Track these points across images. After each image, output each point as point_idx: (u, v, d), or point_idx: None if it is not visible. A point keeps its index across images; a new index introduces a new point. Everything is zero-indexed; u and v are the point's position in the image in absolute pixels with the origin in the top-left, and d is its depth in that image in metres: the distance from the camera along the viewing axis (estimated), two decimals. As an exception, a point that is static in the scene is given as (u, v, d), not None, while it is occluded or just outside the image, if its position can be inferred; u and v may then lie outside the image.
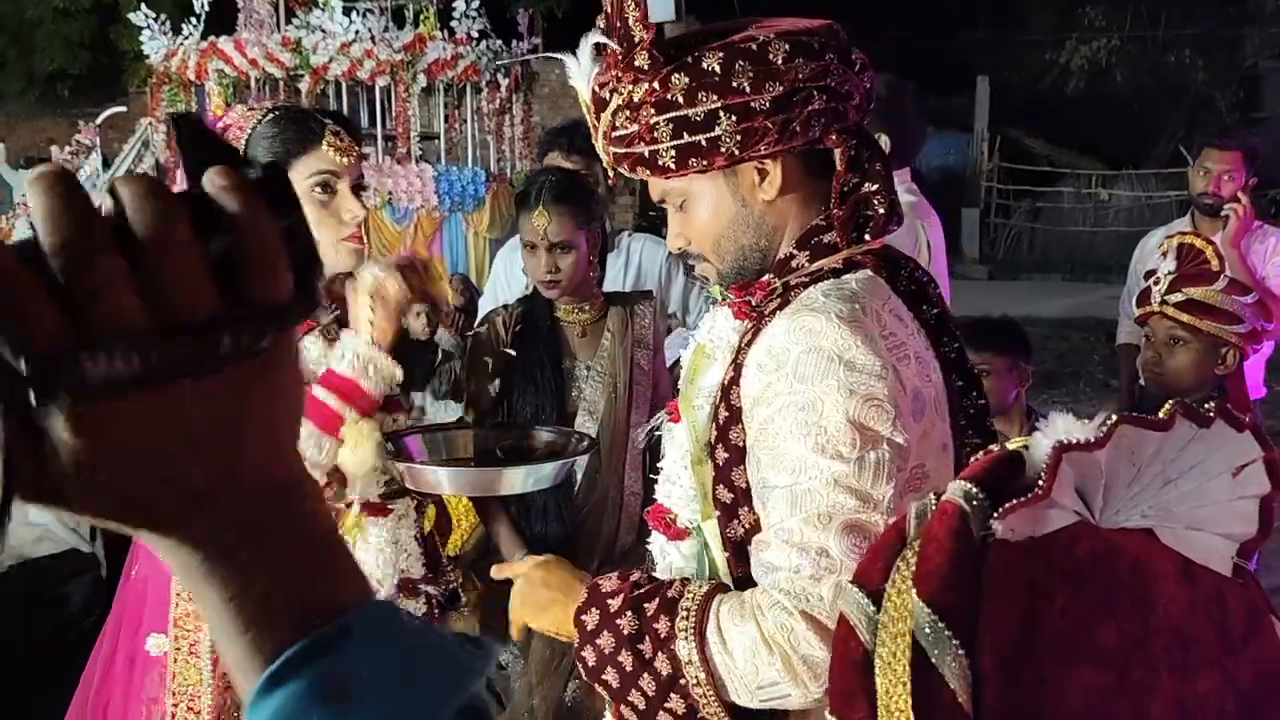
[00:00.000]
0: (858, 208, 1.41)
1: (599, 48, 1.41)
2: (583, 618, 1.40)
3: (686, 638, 1.30)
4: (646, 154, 1.38)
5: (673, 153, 1.36)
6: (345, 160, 1.88)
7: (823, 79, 1.34)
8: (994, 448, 0.79)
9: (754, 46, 1.34)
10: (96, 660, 2.05)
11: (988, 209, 17.59)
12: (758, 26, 1.38)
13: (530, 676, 2.64)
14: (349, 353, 1.76)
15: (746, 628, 1.26)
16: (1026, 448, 0.75)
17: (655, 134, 1.36)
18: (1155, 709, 0.65)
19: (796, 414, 1.27)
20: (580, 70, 1.44)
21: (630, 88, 1.37)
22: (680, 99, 1.34)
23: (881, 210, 1.41)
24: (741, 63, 1.33)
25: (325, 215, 1.86)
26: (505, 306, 2.74)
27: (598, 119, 1.43)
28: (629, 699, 1.36)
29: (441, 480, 1.90)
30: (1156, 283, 2.55)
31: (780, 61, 1.33)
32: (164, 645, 1.90)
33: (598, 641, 1.37)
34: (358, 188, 1.90)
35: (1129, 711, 0.65)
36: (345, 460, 1.73)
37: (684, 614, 1.32)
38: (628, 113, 1.38)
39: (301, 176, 1.86)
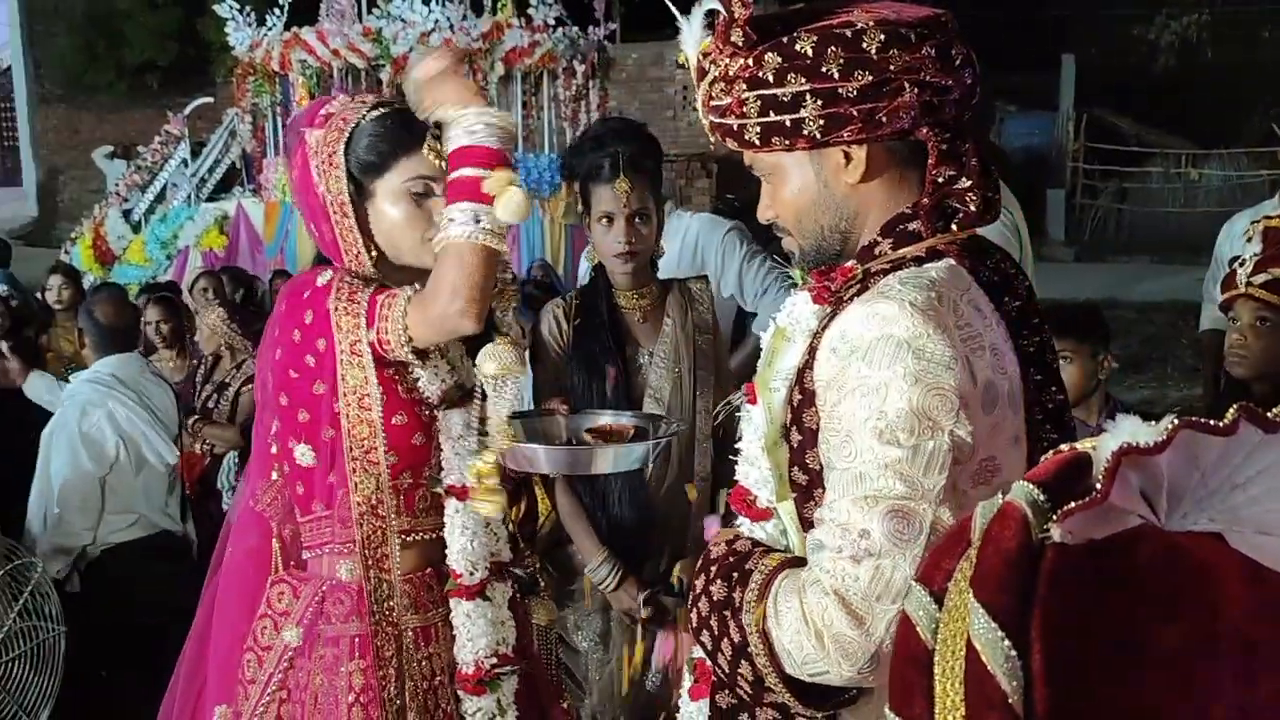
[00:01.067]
0: (946, 199, 1.41)
1: (710, 17, 1.44)
2: (695, 580, 1.48)
3: (749, 609, 1.35)
4: (735, 127, 1.41)
5: (758, 129, 1.39)
6: (443, 164, 1.91)
7: (916, 72, 1.34)
8: (1064, 448, 0.78)
9: (849, 33, 1.34)
10: (191, 641, 2.11)
11: (1073, 190, 17.22)
12: (862, 10, 1.38)
13: (612, 665, 2.67)
14: (459, 127, 1.78)
15: (793, 603, 1.30)
16: (1095, 448, 0.75)
17: (744, 109, 1.39)
18: (1217, 712, 0.64)
19: (861, 399, 1.28)
20: (690, 37, 1.47)
21: (726, 61, 1.40)
22: (770, 78, 1.36)
23: (973, 207, 1.40)
24: (834, 48, 1.33)
25: (417, 214, 1.92)
26: (564, 297, 2.76)
27: (698, 87, 1.46)
28: (717, 661, 1.42)
29: (538, 458, 1.94)
30: (1242, 265, 2.50)
31: (873, 50, 1.33)
32: (282, 638, 1.96)
33: (699, 604, 1.44)
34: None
35: (1190, 714, 0.65)
36: (501, 215, 1.76)
37: (752, 586, 1.36)
38: (722, 85, 1.41)
39: (400, 178, 1.91)
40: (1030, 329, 1.49)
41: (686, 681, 1.65)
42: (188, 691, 2.08)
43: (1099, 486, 0.67)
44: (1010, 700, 0.64)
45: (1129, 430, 0.70)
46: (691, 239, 3.73)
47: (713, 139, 1.49)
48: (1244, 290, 2.50)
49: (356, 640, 1.92)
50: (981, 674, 0.66)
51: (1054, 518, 0.69)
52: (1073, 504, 0.68)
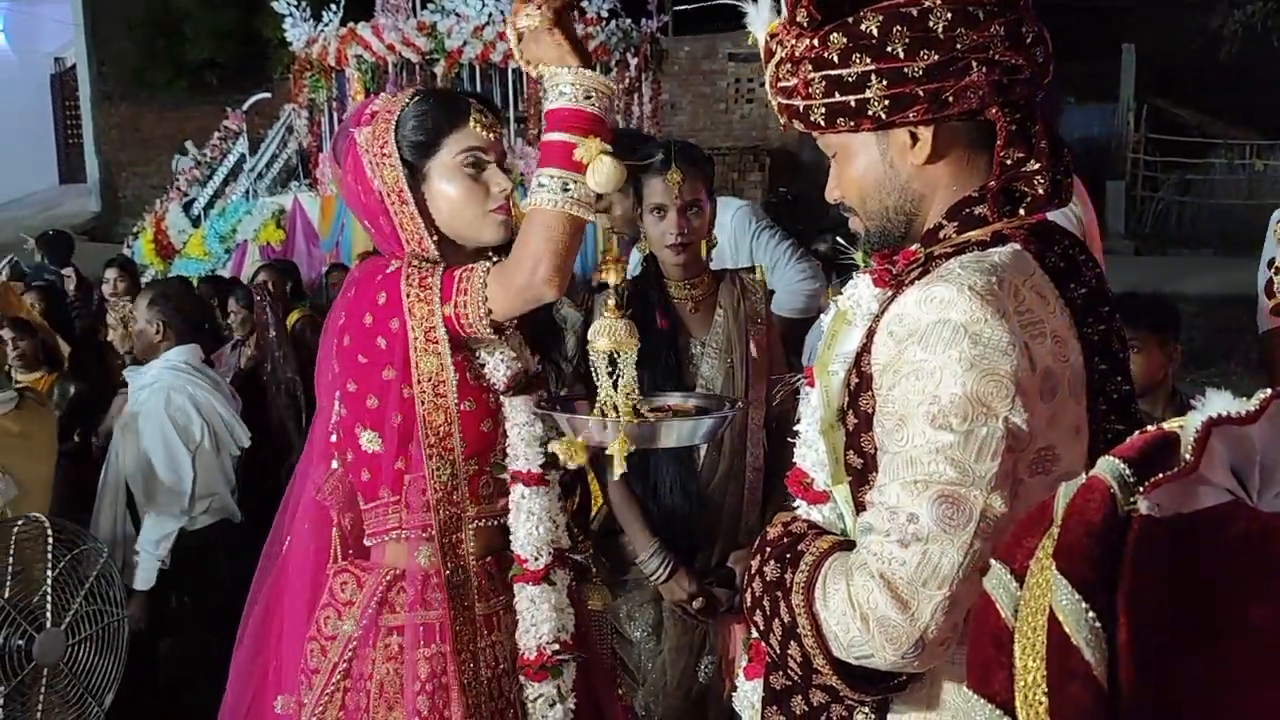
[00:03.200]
0: (1013, 183, 1.39)
1: None
2: (750, 561, 1.49)
3: (798, 590, 1.34)
4: (800, 108, 1.41)
5: (822, 110, 1.38)
6: (491, 136, 1.94)
7: (985, 51, 1.32)
8: (1150, 428, 0.76)
9: (915, 12, 1.32)
10: (248, 630, 2.13)
11: (1134, 181, 16.94)
12: None
13: (665, 655, 2.68)
14: (554, 89, 1.73)
15: (840, 585, 1.29)
16: (1183, 427, 0.73)
17: (810, 90, 1.38)
18: None
19: (916, 382, 1.27)
20: (758, 18, 1.48)
21: (793, 42, 1.40)
22: (835, 58, 1.35)
23: (1041, 190, 1.38)
24: (899, 27, 1.32)
25: (474, 188, 1.93)
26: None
27: (766, 68, 1.46)
28: (769, 641, 1.42)
29: (607, 432, 1.94)
30: (1277, 272, 2.44)
31: (940, 29, 1.31)
32: (346, 628, 1.97)
33: (753, 585, 1.45)
34: (502, 163, 1.96)
35: (1278, 693, 0.63)
36: (593, 184, 1.72)
37: (803, 568, 1.36)
38: (789, 66, 1.41)
39: (451, 153, 1.92)
40: (1096, 317, 1.46)
41: (742, 662, 1.67)
42: (246, 680, 2.10)
43: (1188, 458, 0.66)
44: (1094, 671, 0.63)
45: (1220, 405, 0.69)
46: None
47: (781, 120, 1.49)
48: None
49: (422, 629, 1.93)
50: (1064, 645, 0.64)
51: (1141, 490, 0.67)
52: (1161, 475, 0.66)
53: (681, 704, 2.66)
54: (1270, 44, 17.26)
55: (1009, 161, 1.38)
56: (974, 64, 1.32)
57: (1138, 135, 17.01)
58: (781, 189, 14.06)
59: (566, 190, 1.71)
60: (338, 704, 1.95)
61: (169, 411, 3.76)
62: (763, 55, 1.47)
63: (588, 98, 1.71)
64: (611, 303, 1.77)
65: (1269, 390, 0.67)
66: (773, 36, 1.44)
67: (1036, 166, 1.38)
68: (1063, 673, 0.65)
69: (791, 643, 1.36)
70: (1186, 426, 0.71)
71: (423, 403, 1.88)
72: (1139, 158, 17.03)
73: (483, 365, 1.94)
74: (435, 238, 1.94)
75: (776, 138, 14.55)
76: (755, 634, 1.49)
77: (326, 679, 1.96)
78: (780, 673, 1.49)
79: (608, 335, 1.77)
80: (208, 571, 3.76)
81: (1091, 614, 0.64)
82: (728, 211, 3.82)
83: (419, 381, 1.87)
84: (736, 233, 3.73)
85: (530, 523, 1.94)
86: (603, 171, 1.70)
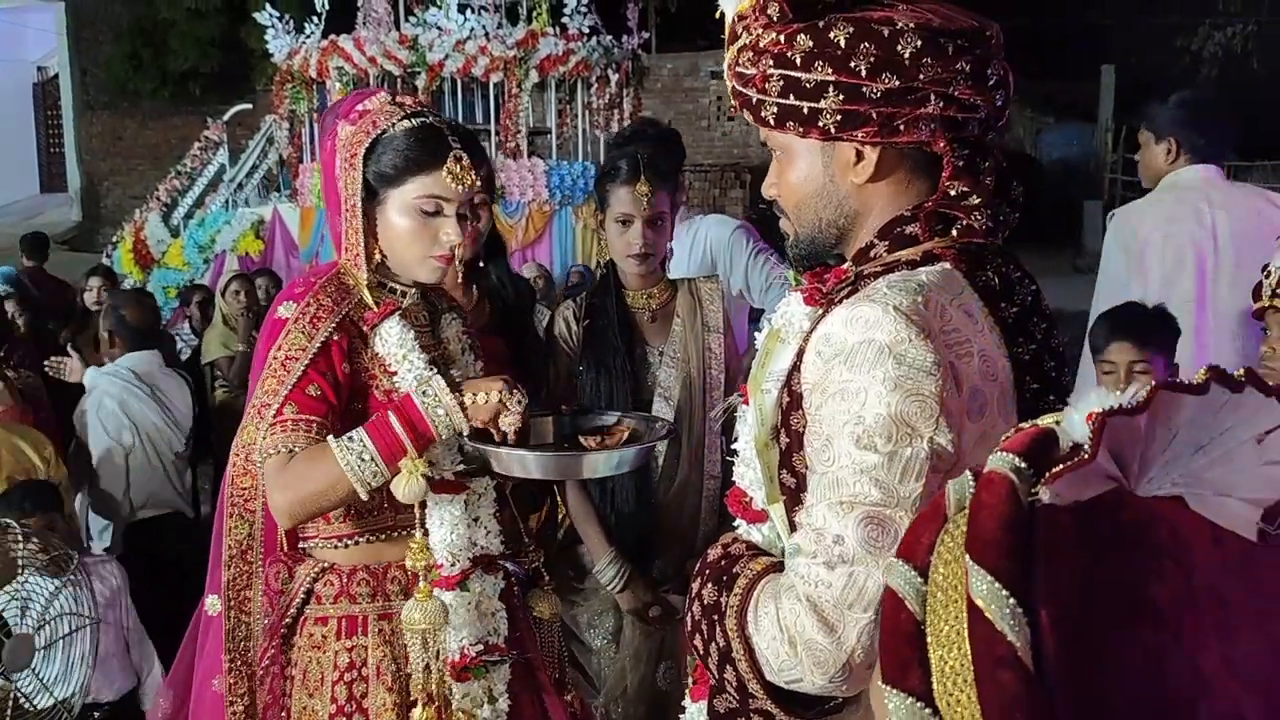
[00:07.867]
0: (949, 208, 1.37)
1: None
2: (691, 584, 1.46)
3: (732, 614, 1.32)
4: (754, 100, 1.39)
5: (774, 109, 1.36)
6: (459, 188, 1.93)
7: (945, 85, 1.30)
8: (1024, 425, 0.79)
9: (886, 31, 1.29)
10: (196, 617, 2.18)
11: (1112, 201, 17.07)
12: (908, 9, 1.33)
13: (623, 661, 2.68)
14: (430, 385, 1.85)
15: (770, 609, 1.27)
16: (1058, 423, 0.76)
17: (766, 85, 1.36)
18: (1206, 663, 0.66)
19: (841, 403, 1.25)
20: None
21: (759, 32, 1.37)
22: (798, 60, 1.33)
23: (978, 226, 1.37)
24: (867, 44, 1.29)
25: (422, 230, 1.94)
26: (574, 299, 2.75)
27: (728, 50, 1.44)
28: (708, 665, 1.40)
29: (526, 463, 1.94)
30: (1268, 276, 2.48)
31: (906, 55, 1.29)
32: (218, 605, 2.06)
33: (693, 607, 1.42)
34: (462, 216, 1.96)
35: (1185, 669, 0.66)
36: (395, 489, 1.84)
37: (737, 591, 1.34)
38: (750, 54, 1.38)
39: (414, 193, 1.93)
40: (1028, 337, 1.43)
41: (689, 683, 1.64)
42: (191, 662, 2.17)
43: (1087, 447, 0.68)
44: (1021, 656, 0.65)
45: (1097, 400, 0.72)
46: (701, 239, 3.77)
47: (732, 104, 1.46)
48: (1269, 303, 2.48)
49: (345, 621, 1.98)
50: (988, 634, 0.66)
51: (1042, 481, 0.70)
52: (1061, 466, 0.69)
53: (641, 709, 2.66)
54: (1250, 66, 17.47)
55: (953, 192, 1.37)
56: (932, 96, 1.30)
57: (1116, 155, 17.16)
58: (762, 205, 14.12)
59: (363, 461, 1.82)
60: (265, 687, 2.00)
61: (100, 416, 4.07)
62: (727, 36, 1.44)
63: (442, 424, 1.85)
64: None
65: (1153, 382, 0.70)
66: (741, 19, 1.41)
67: (978, 202, 1.36)
68: (990, 661, 0.66)
69: (727, 666, 1.33)
70: (1065, 423, 0.74)
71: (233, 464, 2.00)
72: (1117, 178, 17.18)
73: (395, 386, 1.95)
74: (377, 257, 1.97)
75: (758, 155, 14.62)
76: (696, 656, 1.46)
77: (257, 664, 2.02)
78: (723, 695, 1.45)
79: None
80: (159, 555, 4.02)
81: (1013, 600, 0.66)
82: (725, 229, 3.84)
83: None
84: (732, 252, 3.75)
85: (443, 529, 1.96)
86: (411, 488, 1.83)
